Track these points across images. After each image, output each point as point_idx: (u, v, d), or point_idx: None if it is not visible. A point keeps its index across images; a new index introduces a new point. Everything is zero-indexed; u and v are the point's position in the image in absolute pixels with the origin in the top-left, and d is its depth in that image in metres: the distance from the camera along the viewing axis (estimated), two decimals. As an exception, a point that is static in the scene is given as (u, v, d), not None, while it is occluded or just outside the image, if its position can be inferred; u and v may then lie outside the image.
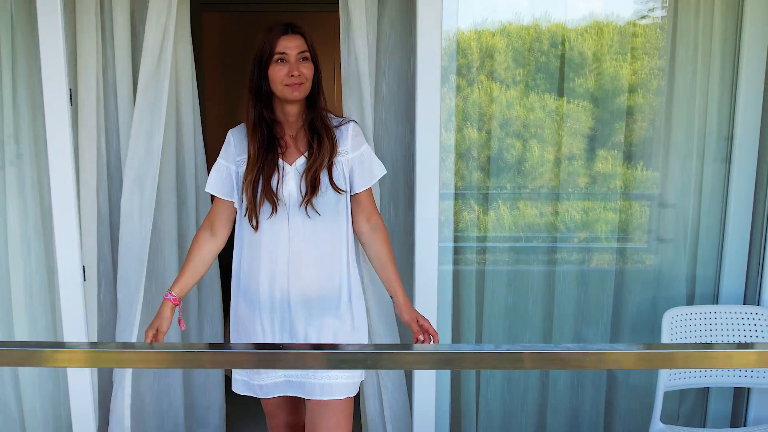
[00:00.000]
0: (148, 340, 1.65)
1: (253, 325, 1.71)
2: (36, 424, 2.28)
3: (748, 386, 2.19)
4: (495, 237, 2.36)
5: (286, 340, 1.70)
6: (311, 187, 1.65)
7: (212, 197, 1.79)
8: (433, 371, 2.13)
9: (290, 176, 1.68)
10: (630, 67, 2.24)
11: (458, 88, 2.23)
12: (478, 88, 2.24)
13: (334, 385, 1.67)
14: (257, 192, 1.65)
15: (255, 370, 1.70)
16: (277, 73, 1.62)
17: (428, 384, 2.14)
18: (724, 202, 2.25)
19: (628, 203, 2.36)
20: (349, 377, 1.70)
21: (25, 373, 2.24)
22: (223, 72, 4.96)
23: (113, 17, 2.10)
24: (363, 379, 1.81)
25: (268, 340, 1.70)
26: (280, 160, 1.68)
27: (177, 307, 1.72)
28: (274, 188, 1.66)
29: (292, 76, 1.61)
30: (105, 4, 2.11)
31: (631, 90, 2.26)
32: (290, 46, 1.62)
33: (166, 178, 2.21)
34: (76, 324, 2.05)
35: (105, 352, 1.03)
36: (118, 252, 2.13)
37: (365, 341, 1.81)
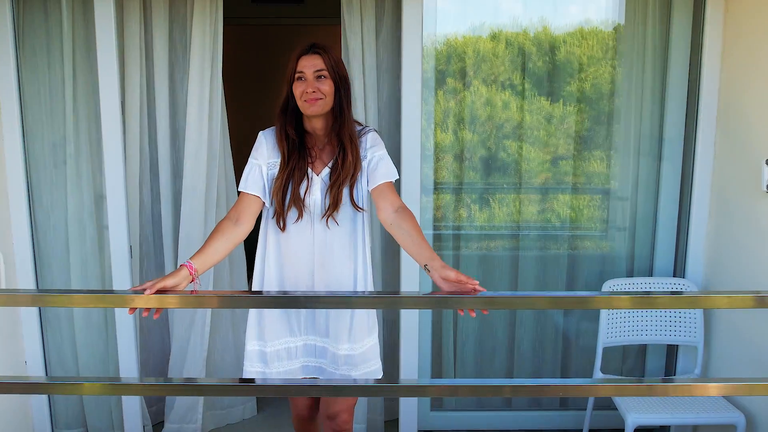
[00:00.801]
0: (146, 287, 1.53)
1: (279, 317, 1.91)
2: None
3: (676, 343, 2.66)
4: (468, 226, 2.83)
5: (309, 331, 1.93)
6: (333, 203, 1.84)
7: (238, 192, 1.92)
8: (417, 320, 2.60)
9: (317, 186, 1.86)
10: (581, 75, 2.71)
11: (435, 97, 2.70)
12: (453, 95, 2.71)
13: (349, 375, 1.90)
14: (286, 198, 1.83)
15: (284, 366, 1.93)
16: (297, 90, 1.82)
17: (413, 328, 2.61)
18: (656, 193, 2.72)
19: (581, 196, 2.84)
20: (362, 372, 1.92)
21: (81, 335, 2.70)
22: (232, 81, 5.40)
23: (154, 42, 2.56)
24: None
25: (294, 331, 1.93)
26: (309, 170, 1.86)
27: (192, 283, 1.67)
28: (302, 196, 1.84)
29: (307, 94, 1.79)
30: (147, 30, 2.57)
31: (581, 99, 2.72)
32: (308, 65, 1.81)
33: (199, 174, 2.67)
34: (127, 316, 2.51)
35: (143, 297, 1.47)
36: (161, 234, 2.61)
37: (376, 330, 2.00)
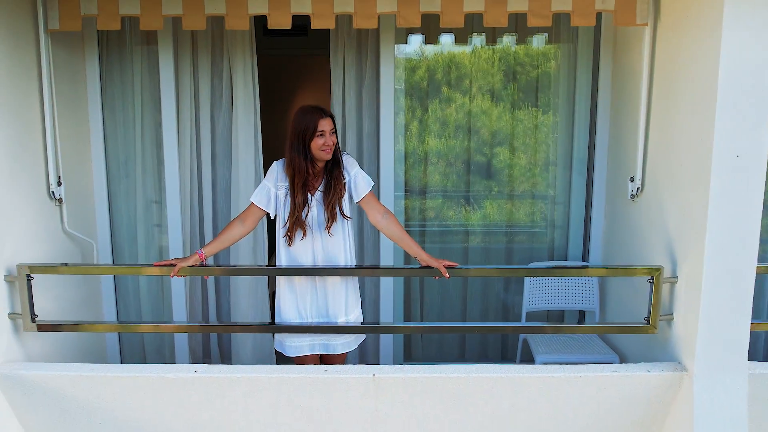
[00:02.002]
0: (168, 263, 2.61)
1: (294, 304, 2.76)
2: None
3: (583, 309, 3.60)
4: (431, 223, 3.78)
5: (312, 310, 2.75)
6: (331, 217, 2.62)
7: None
8: (392, 287, 3.56)
9: (313, 205, 2.63)
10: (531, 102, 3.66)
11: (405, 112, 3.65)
12: (412, 114, 3.67)
13: (340, 345, 2.78)
14: (296, 224, 2.62)
15: (289, 338, 2.77)
16: (317, 142, 2.56)
17: (389, 288, 3.58)
18: (568, 199, 3.67)
19: (520, 201, 3.79)
20: (355, 341, 2.80)
21: (142, 293, 3.66)
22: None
23: (200, 89, 3.51)
24: (358, 344, 2.85)
25: (302, 311, 2.76)
26: (309, 195, 2.62)
27: (201, 261, 2.62)
28: (304, 218, 2.61)
29: (326, 146, 2.56)
30: (195, 81, 3.51)
31: (529, 125, 3.67)
32: (326, 126, 2.56)
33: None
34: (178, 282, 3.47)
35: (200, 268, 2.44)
36: (203, 228, 3.57)
37: (359, 304, 2.86)
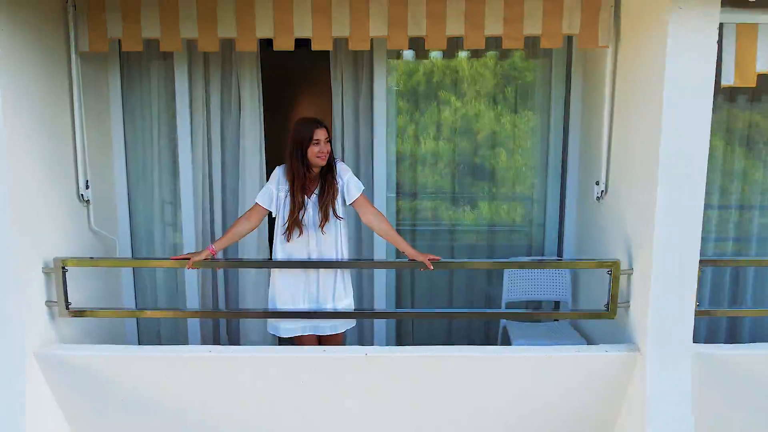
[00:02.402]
0: (183, 257, 3.00)
1: (289, 290, 3.11)
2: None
3: (557, 299, 3.97)
4: (420, 222, 4.15)
5: (305, 297, 3.11)
6: (324, 217, 2.99)
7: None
8: (384, 276, 3.93)
9: (309, 207, 3.01)
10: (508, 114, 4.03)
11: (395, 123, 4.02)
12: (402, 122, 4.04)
13: (329, 327, 3.14)
14: (294, 223, 2.99)
15: (283, 321, 3.12)
16: (313, 150, 2.93)
17: (382, 279, 3.95)
18: (545, 202, 4.04)
19: (503, 201, 4.15)
20: (343, 325, 3.16)
21: (159, 283, 4.04)
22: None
23: (211, 101, 3.87)
24: (350, 327, 3.22)
25: (295, 297, 3.12)
26: (305, 197, 2.99)
27: (212, 256, 3.00)
28: (300, 219, 2.97)
29: (321, 153, 2.94)
30: (207, 93, 3.87)
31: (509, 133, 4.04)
32: (321, 135, 2.93)
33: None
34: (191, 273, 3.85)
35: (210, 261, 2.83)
36: (213, 225, 3.95)
37: (352, 296, 3.22)
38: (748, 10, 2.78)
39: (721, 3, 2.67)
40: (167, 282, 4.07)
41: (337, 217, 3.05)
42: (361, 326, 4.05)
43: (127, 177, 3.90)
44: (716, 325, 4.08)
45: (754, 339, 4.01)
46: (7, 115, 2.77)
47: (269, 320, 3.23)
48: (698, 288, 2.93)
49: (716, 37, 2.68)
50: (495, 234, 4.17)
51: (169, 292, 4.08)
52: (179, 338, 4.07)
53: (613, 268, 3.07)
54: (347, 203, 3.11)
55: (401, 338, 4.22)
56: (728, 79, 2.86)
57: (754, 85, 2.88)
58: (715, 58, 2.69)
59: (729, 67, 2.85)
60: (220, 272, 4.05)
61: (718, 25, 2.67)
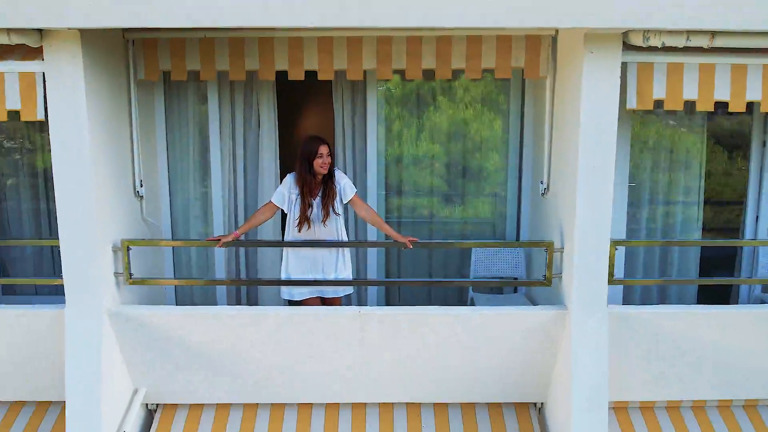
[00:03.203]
0: (214, 238, 4.01)
1: (300, 265, 4.11)
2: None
3: (514, 275, 4.90)
4: (406, 215, 5.09)
5: (313, 269, 4.11)
6: (326, 213, 3.96)
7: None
8: (375, 254, 4.88)
9: (315, 206, 3.97)
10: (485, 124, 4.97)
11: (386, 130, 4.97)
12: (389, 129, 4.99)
13: (331, 291, 4.19)
14: (303, 219, 3.97)
15: (295, 287, 4.18)
16: (317, 161, 3.89)
17: (373, 256, 4.91)
18: (505, 197, 4.99)
19: (474, 197, 5.09)
20: (343, 290, 4.18)
21: (193, 260, 4.99)
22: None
23: (236, 119, 4.81)
24: (348, 293, 4.24)
25: (305, 270, 4.15)
26: (312, 199, 3.96)
27: (237, 238, 3.94)
28: (309, 215, 3.96)
29: (324, 164, 3.91)
30: (233, 114, 4.81)
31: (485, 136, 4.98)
32: (323, 149, 3.89)
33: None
34: (219, 251, 4.81)
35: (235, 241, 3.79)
36: (237, 214, 4.90)
37: (350, 269, 4.25)
38: (645, 53, 3.71)
39: (624, 47, 3.61)
40: (198, 259, 5.02)
41: (336, 213, 4.02)
42: (358, 292, 5.00)
43: (168, 178, 4.85)
44: (647, 294, 5.02)
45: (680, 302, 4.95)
46: (92, 130, 3.71)
47: (283, 288, 4.20)
48: (628, 263, 3.86)
49: (619, 74, 3.62)
50: (467, 223, 5.11)
51: (199, 266, 5.03)
52: (209, 303, 5.01)
53: (548, 247, 4.01)
54: (344, 202, 4.06)
55: (389, 303, 5.17)
56: (632, 104, 3.79)
57: (651, 108, 3.81)
58: (618, 89, 3.63)
59: (632, 95, 3.78)
60: (242, 250, 5.00)
61: (620, 65, 3.61)
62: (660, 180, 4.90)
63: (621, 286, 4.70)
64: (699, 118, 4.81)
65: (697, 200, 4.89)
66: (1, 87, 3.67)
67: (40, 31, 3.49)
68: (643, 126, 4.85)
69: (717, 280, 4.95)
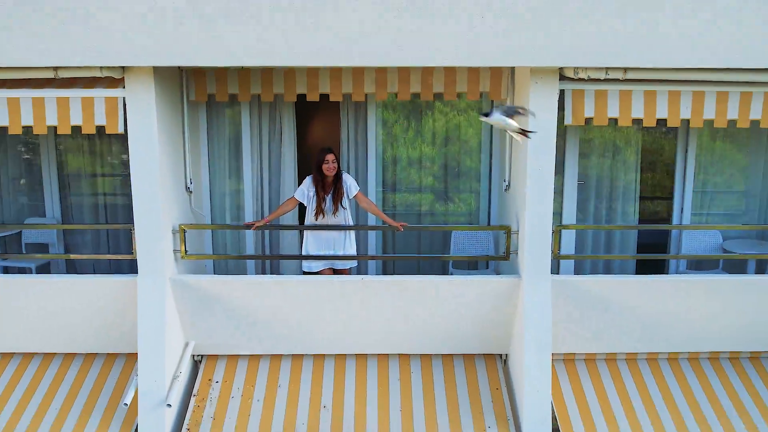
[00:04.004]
0: (248, 223, 5.35)
1: (316, 244, 5.46)
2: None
3: (486, 254, 6.10)
4: (400, 207, 6.30)
5: (327, 251, 5.43)
6: (335, 207, 5.23)
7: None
8: (374, 237, 6.11)
9: (327, 200, 5.22)
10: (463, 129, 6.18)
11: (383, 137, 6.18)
12: (385, 138, 6.20)
13: (339, 264, 5.47)
14: (319, 210, 5.26)
15: (313, 261, 5.48)
16: (324, 166, 5.13)
17: (372, 238, 6.14)
18: (478, 193, 6.20)
19: (455, 192, 6.29)
20: (349, 263, 5.50)
21: (227, 239, 6.22)
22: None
23: (262, 133, 6.03)
24: (353, 266, 5.62)
25: (320, 248, 5.45)
26: (325, 195, 5.22)
27: (266, 223, 5.31)
28: (323, 207, 5.23)
29: (330, 168, 5.16)
30: (261, 129, 6.02)
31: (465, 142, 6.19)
32: (330, 157, 5.15)
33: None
34: (250, 233, 6.03)
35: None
36: (263, 207, 6.13)
37: (355, 247, 5.55)
38: (577, 82, 4.90)
39: (561, 78, 4.81)
40: (231, 240, 6.26)
41: (342, 207, 5.28)
42: (361, 266, 6.21)
43: (209, 178, 6.06)
44: (596, 270, 6.21)
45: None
46: (161, 141, 4.92)
47: (303, 263, 5.44)
48: (579, 243, 5.06)
49: (557, 98, 4.82)
50: (449, 214, 6.32)
51: (232, 245, 6.25)
52: (240, 274, 6.22)
53: (507, 230, 5.22)
54: (350, 197, 5.31)
55: (386, 274, 6.37)
56: (568, 121, 4.99)
57: (583, 123, 5.01)
58: (556, 110, 4.83)
59: (568, 114, 4.98)
60: (266, 233, 6.21)
61: (557, 92, 4.82)
62: (604, 178, 6.10)
63: (572, 262, 5.92)
64: (634, 130, 6.02)
65: (634, 196, 6.11)
66: (91, 108, 4.88)
67: (123, 67, 4.71)
68: (587, 135, 6.06)
69: (642, 256, 6.12)
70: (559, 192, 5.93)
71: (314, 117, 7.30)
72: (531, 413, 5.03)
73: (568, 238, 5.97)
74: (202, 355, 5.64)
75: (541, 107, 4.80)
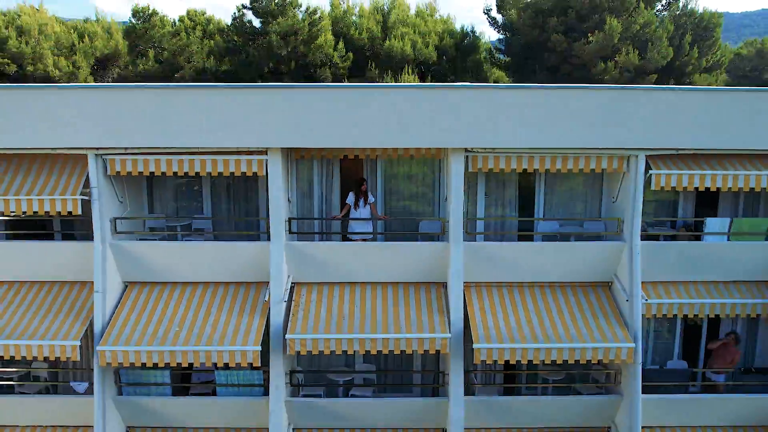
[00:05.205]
0: (330, 218, 11.60)
1: (355, 228, 11.46)
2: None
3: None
4: (393, 211, 12.10)
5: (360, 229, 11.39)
6: (365, 205, 11.39)
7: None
8: (381, 223, 12.00)
9: (361, 204, 11.43)
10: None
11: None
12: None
13: (367, 237, 11.45)
14: (356, 208, 11.42)
15: (353, 235, 11.43)
16: (362, 187, 11.39)
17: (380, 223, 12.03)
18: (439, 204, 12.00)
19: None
20: (369, 237, 11.52)
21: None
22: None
23: (323, 173, 11.86)
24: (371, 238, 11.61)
25: (356, 228, 11.45)
26: (359, 201, 11.48)
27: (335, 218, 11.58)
28: (359, 206, 11.41)
29: (362, 190, 11.39)
30: (322, 167, 11.83)
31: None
32: (363, 186, 11.43)
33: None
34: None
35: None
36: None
37: (371, 228, 11.49)
38: (475, 151, 10.66)
39: (466, 150, 10.61)
40: (318, 227, 12.08)
41: (366, 205, 11.30)
42: (374, 238, 11.94)
43: (296, 199, 11.89)
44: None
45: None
46: (284, 185, 10.78)
47: (349, 236, 11.37)
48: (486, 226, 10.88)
49: (464, 159, 10.62)
50: (419, 213, 12.11)
51: (317, 228, 12.07)
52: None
53: (443, 221, 11.03)
54: (369, 203, 11.30)
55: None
56: (472, 168, 10.75)
57: (486, 170, 10.82)
58: (463, 165, 10.61)
59: (472, 166, 10.74)
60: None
61: (464, 156, 10.62)
62: (498, 193, 11.90)
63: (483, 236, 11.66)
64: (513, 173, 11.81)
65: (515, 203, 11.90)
66: (250, 165, 10.71)
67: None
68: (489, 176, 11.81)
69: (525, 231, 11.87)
70: (473, 201, 11.70)
71: (349, 167, 13.25)
72: (454, 305, 10.80)
73: (480, 226, 11.74)
74: (293, 284, 11.40)
75: (455, 163, 10.60)
